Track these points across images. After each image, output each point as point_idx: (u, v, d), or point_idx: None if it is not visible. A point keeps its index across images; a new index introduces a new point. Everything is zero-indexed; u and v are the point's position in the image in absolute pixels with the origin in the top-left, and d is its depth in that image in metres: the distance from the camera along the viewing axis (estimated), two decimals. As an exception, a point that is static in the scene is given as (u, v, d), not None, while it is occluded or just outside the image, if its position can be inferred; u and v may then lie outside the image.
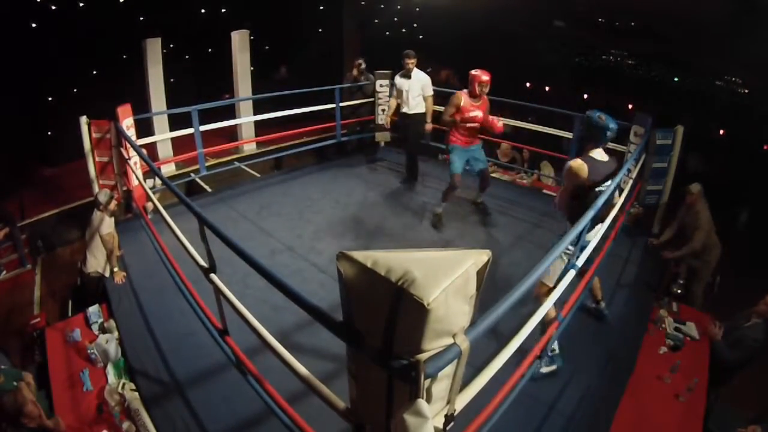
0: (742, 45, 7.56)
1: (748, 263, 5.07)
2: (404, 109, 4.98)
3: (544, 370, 2.64)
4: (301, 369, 1.63)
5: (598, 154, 2.60)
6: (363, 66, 5.88)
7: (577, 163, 2.51)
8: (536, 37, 10.96)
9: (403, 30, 12.47)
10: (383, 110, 5.97)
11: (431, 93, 5.00)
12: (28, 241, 5.25)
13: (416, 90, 4.88)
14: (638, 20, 10.64)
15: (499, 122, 3.99)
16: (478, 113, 3.98)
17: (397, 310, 1.01)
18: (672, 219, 4.13)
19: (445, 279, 1.01)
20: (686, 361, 2.93)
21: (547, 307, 2.03)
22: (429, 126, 5.04)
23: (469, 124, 4.02)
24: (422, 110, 5.01)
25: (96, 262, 3.51)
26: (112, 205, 3.55)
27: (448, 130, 4.19)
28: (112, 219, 3.58)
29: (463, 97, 3.99)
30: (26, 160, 7.22)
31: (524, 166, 6.09)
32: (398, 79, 4.99)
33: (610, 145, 4.48)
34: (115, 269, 3.48)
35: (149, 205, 4.08)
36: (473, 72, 3.98)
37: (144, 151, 3.41)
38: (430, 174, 5.60)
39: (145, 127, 5.15)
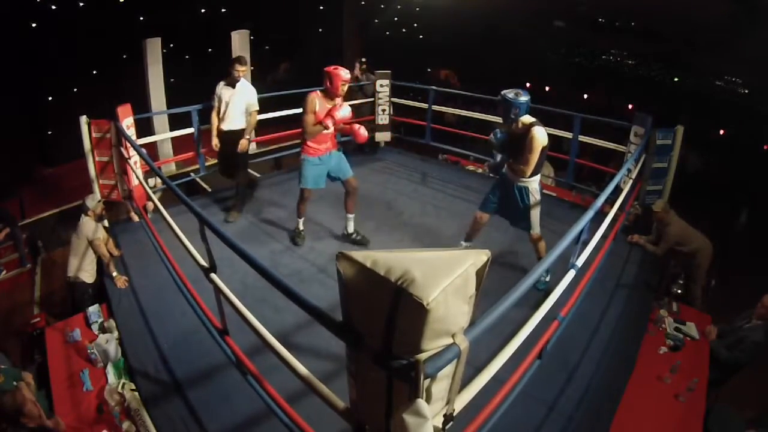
0: (741, 45, 7.56)
1: (749, 263, 5.07)
2: (222, 125, 4.16)
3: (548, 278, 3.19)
4: (301, 369, 1.63)
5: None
6: (365, 66, 5.89)
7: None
8: (536, 37, 10.97)
9: (403, 30, 12.49)
10: (383, 110, 5.99)
11: (256, 108, 4.24)
12: (28, 241, 5.25)
13: (239, 104, 4.12)
14: (638, 20, 10.64)
15: (361, 128, 3.54)
16: (347, 111, 3.44)
17: (396, 310, 1.01)
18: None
19: (445, 279, 1.01)
20: (686, 361, 2.93)
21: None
22: (244, 142, 4.19)
23: (330, 128, 3.48)
24: (243, 126, 4.22)
25: (78, 266, 3.44)
26: (100, 210, 3.54)
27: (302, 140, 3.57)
28: (100, 224, 3.57)
29: (317, 100, 3.40)
30: (26, 160, 7.23)
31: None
32: (221, 88, 4.13)
33: (611, 145, 4.57)
34: (114, 274, 3.42)
35: (149, 205, 4.08)
36: (332, 69, 3.38)
37: (144, 150, 3.40)
38: (433, 175, 5.60)
39: (145, 127, 5.15)
